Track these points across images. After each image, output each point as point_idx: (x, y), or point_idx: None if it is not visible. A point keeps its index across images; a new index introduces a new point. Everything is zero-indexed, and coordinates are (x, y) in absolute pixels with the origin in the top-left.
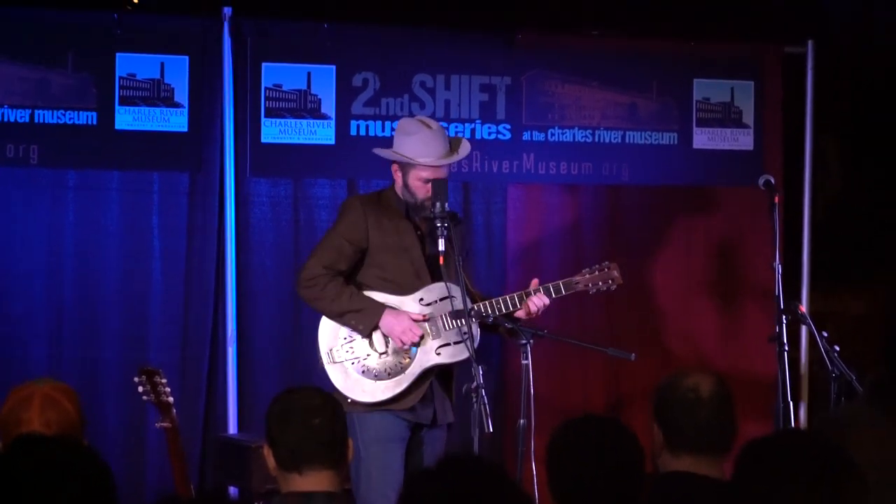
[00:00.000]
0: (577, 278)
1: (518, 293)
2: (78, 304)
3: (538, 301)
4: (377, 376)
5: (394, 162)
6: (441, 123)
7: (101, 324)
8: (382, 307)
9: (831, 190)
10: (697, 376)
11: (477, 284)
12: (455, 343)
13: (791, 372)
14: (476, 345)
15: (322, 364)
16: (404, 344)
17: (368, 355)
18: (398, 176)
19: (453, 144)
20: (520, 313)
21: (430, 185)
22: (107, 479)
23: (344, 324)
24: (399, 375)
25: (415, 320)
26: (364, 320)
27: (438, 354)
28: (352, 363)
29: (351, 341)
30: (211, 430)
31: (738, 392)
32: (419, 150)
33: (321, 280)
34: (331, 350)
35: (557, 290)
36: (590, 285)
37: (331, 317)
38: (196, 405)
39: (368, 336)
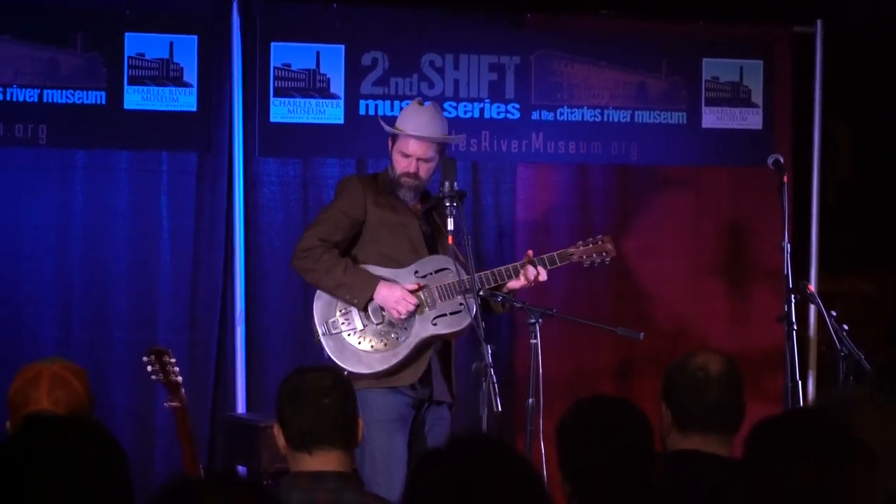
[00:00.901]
0: (572, 249)
1: (513, 265)
2: (86, 285)
3: (531, 272)
4: (374, 347)
5: (389, 138)
6: (450, 103)
7: (110, 305)
8: (376, 280)
9: (841, 170)
10: (706, 356)
11: (487, 263)
12: (451, 314)
13: (800, 351)
14: (480, 323)
15: (318, 337)
16: (399, 314)
17: (365, 326)
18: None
19: (441, 131)
20: (514, 283)
21: (409, 161)
22: (120, 458)
23: (338, 297)
24: (396, 347)
25: (410, 290)
26: (358, 294)
27: (435, 325)
28: (348, 335)
29: (346, 313)
30: (220, 410)
31: (746, 372)
32: (402, 122)
33: (316, 252)
34: (326, 322)
35: (552, 261)
36: (584, 257)
37: (325, 290)
38: (205, 385)
39: (364, 309)
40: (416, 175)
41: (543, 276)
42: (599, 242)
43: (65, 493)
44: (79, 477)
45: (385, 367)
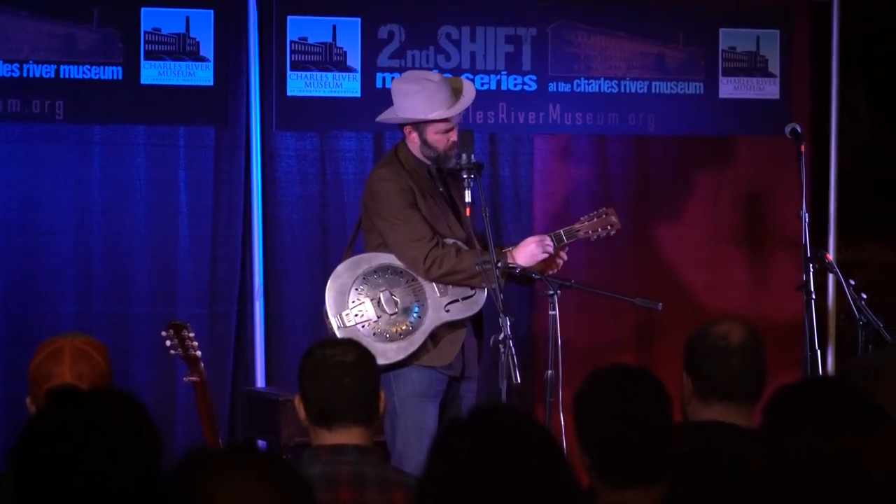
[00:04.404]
0: (578, 226)
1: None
2: (106, 260)
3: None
4: (389, 338)
5: (406, 124)
6: (466, 76)
7: (130, 279)
8: (504, 255)
9: (859, 138)
10: (728, 324)
11: (506, 237)
12: (464, 299)
13: (818, 320)
14: (499, 295)
15: (332, 329)
16: (547, 252)
17: (379, 317)
18: (414, 136)
19: (456, 88)
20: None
21: (450, 134)
22: (153, 430)
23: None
24: (411, 336)
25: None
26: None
27: (448, 311)
28: (362, 326)
29: (360, 304)
30: (240, 384)
31: (766, 341)
32: (429, 107)
33: (433, 252)
34: (340, 314)
35: (559, 239)
36: (590, 232)
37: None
38: (225, 359)
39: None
40: (456, 140)
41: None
42: (604, 216)
43: (99, 465)
44: (113, 449)
45: (400, 357)
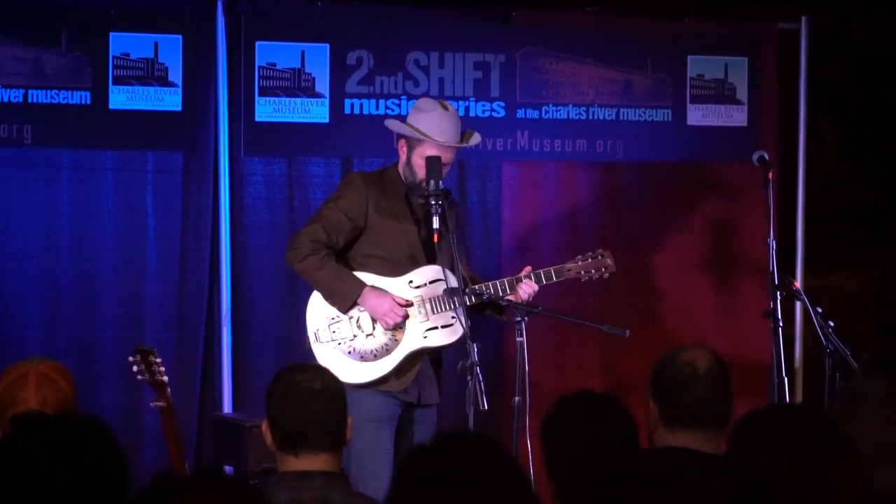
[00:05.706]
0: (570, 265)
1: (508, 279)
2: (73, 285)
3: (527, 288)
4: (363, 358)
5: (401, 138)
6: None
7: (97, 304)
8: (361, 286)
9: (827, 166)
10: (694, 352)
11: (473, 263)
12: (443, 327)
13: (786, 348)
14: (466, 321)
15: (308, 344)
16: (388, 325)
17: (355, 336)
18: (403, 152)
19: (465, 134)
20: (509, 297)
21: None
22: (120, 455)
23: (324, 299)
24: (385, 357)
25: (399, 304)
26: (339, 302)
27: (425, 338)
28: (337, 344)
29: (337, 322)
30: (207, 409)
31: (734, 368)
32: (431, 128)
33: (302, 251)
34: (317, 331)
35: (549, 277)
36: (582, 272)
37: (312, 286)
38: (192, 384)
39: (346, 313)
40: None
41: (535, 288)
42: (599, 257)
43: (65, 491)
44: (80, 474)
45: (373, 378)
